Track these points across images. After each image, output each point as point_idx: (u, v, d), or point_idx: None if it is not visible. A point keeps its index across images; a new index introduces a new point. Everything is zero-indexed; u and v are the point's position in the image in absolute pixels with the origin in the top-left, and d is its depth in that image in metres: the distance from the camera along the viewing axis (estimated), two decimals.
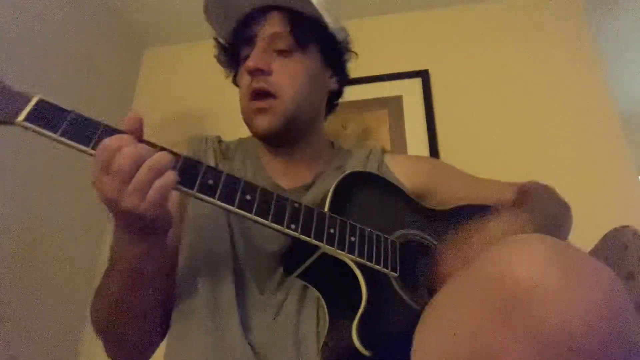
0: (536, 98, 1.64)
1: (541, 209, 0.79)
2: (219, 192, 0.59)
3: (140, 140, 0.58)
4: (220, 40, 0.91)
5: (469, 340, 0.41)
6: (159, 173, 0.55)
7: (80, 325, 1.51)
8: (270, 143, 0.87)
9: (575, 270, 0.39)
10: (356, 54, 0.95)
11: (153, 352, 0.77)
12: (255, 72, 0.79)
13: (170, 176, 0.56)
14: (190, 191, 0.58)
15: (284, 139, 0.84)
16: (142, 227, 0.60)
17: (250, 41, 0.83)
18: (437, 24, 1.83)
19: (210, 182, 0.59)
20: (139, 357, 0.76)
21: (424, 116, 1.65)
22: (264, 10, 0.83)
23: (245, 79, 0.82)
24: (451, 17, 1.83)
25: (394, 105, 1.70)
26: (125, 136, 0.56)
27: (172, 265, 0.77)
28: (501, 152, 1.56)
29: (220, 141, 0.92)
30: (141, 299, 0.68)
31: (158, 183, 0.55)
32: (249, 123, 0.83)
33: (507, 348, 0.38)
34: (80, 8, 1.67)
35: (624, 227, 0.71)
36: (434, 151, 1.58)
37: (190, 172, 0.59)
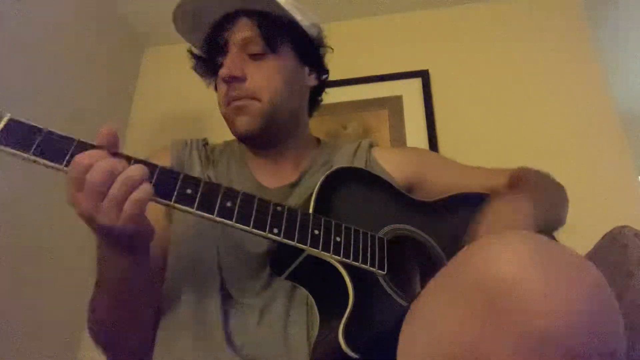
0: (536, 98, 1.64)
1: (537, 190, 0.79)
2: (197, 201, 0.58)
3: (115, 154, 0.57)
4: (194, 50, 0.92)
5: (451, 339, 0.41)
6: (133, 186, 0.54)
7: (80, 327, 1.50)
8: (254, 144, 0.87)
9: (558, 267, 0.39)
10: (331, 49, 0.95)
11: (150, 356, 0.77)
12: (230, 80, 0.80)
13: (146, 189, 0.55)
14: (168, 202, 0.57)
15: (267, 139, 0.85)
16: (122, 242, 0.59)
17: (222, 48, 0.83)
18: (437, 24, 1.83)
19: (189, 191, 0.58)
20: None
21: (424, 116, 1.65)
22: (233, 16, 0.84)
23: (222, 86, 0.83)
24: (451, 17, 1.83)
25: (394, 105, 1.70)
26: (97, 151, 0.55)
27: (162, 269, 0.77)
28: (501, 152, 1.56)
29: (206, 144, 0.92)
30: (133, 307, 0.69)
31: (133, 197, 0.54)
32: (230, 126, 0.83)
33: (489, 346, 0.38)
34: (80, 8, 1.67)
35: (624, 227, 0.71)
36: (433, 151, 1.58)
37: (167, 183, 0.58)
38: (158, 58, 2.01)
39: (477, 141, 1.60)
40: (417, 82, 1.71)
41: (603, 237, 0.74)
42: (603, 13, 1.88)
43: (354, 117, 1.69)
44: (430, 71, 1.73)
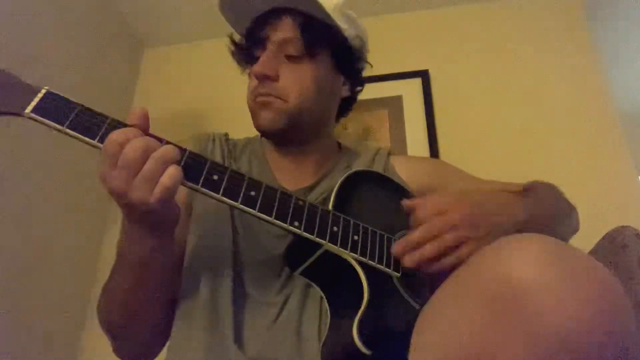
0: (536, 98, 1.64)
1: (538, 199, 0.78)
2: (223, 187, 0.60)
3: (147, 134, 0.58)
4: (235, 37, 0.91)
5: (465, 340, 0.41)
6: (167, 165, 0.55)
7: (80, 325, 1.51)
8: (275, 141, 0.88)
9: (571, 269, 0.39)
10: (370, 65, 0.94)
11: (160, 348, 0.77)
12: (261, 78, 0.80)
13: (177, 169, 0.56)
14: (194, 186, 0.59)
15: (289, 139, 0.85)
16: (151, 221, 0.60)
17: (261, 43, 0.83)
18: (437, 24, 1.84)
19: (215, 177, 0.60)
20: (148, 353, 0.77)
21: (424, 116, 1.65)
22: (277, 13, 0.83)
23: (253, 80, 0.83)
24: (451, 17, 1.83)
25: (394, 105, 1.70)
26: (131, 129, 0.57)
27: (180, 260, 0.77)
28: (501, 152, 1.56)
29: (227, 139, 0.92)
30: (151, 293, 0.68)
31: (166, 174, 0.55)
32: (253, 119, 0.83)
33: (503, 347, 0.38)
34: (80, 8, 1.67)
35: (624, 227, 0.71)
36: (433, 151, 1.58)
37: (195, 167, 0.59)
38: (158, 58, 2.02)
39: (477, 141, 1.60)
40: (417, 82, 1.72)
41: (603, 237, 0.74)
42: (603, 13, 1.88)
43: (354, 117, 1.67)
44: (430, 71, 1.73)
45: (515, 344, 0.37)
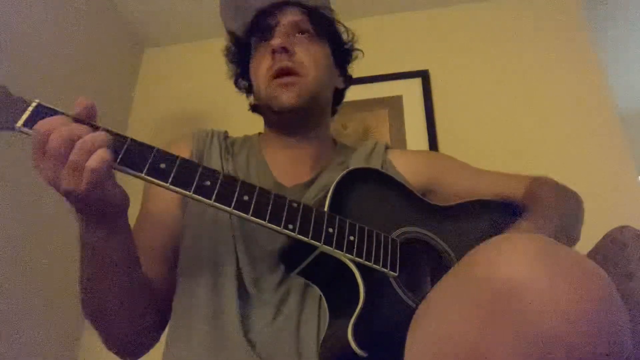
0: (536, 98, 1.64)
1: (555, 209, 0.79)
2: (215, 193, 0.59)
3: (93, 126, 0.57)
4: (238, 33, 0.93)
5: (456, 340, 0.41)
6: (91, 152, 0.54)
7: (81, 325, 1.50)
8: (289, 123, 0.87)
9: (563, 270, 0.39)
10: (362, 52, 0.98)
11: (148, 341, 0.76)
12: (280, 51, 0.82)
13: (103, 155, 0.54)
14: (186, 193, 0.58)
15: (302, 119, 0.85)
16: (92, 208, 0.58)
17: (267, 32, 0.86)
18: (437, 24, 1.84)
19: (207, 183, 0.59)
20: (137, 346, 0.76)
21: (424, 116, 1.65)
22: (280, 5, 0.87)
23: (266, 61, 0.84)
24: (451, 17, 1.83)
25: (394, 105, 1.70)
26: (59, 117, 0.55)
27: (167, 260, 0.77)
28: (501, 152, 1.56)
29: (226, 137, 0.93)
30: (112, 285, 0.66)
31: (92, 158, 0.53)
32: (272, 102, 0.83)
33: (494, 348, 0.38)
34: (80, 8, 1.67)
35: (624, 227, 0.71)
36: (433, 151, 1.58)
37: (186, 173, 0.59)
38: (158, 58, 2.02)
39: (477, 141, 1.60)
40: (417, 82, 1.72)
41: (603, 237, 0.74)
42: (603, 13, 1.88)
43: (354, 117, 1.69)
44: (430, 71, 1.73)
45: (506, 346, 0.37)
